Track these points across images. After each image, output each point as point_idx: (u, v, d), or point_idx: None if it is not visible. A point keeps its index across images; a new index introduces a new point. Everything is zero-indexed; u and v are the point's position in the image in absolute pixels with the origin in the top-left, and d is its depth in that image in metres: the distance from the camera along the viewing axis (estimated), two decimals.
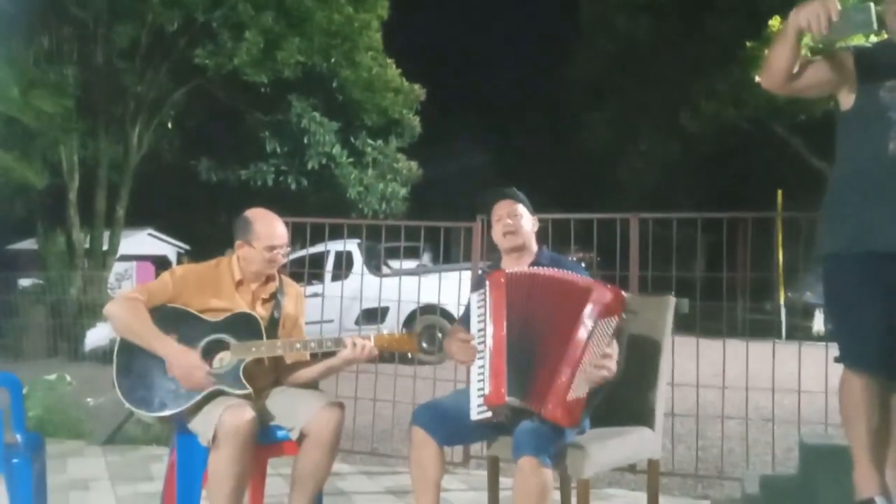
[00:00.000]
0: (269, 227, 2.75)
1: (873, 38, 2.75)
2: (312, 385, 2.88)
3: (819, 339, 8.92)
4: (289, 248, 2.87)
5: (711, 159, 16.84)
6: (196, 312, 2.67)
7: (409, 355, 3.04)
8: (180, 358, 2.55)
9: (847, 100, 2.30)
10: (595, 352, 2.46)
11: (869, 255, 2.18)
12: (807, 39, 2.24)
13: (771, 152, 16.12)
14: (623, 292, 2.55)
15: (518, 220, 2.84)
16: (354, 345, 2.63)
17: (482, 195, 2.98)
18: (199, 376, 2.53)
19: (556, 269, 2.67)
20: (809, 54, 2.54)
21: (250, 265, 2.76)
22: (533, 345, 2.54)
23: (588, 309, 2.49)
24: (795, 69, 2.26)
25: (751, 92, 13.16)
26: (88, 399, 5.47)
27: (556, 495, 3.15)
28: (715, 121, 14.59)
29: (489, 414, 2.55)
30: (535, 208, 2.96)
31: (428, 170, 16.15)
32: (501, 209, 2.87)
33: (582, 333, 2.47)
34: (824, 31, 2.11)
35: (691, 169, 17.75)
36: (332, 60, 13.69)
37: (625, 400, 2.92)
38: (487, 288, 2.65)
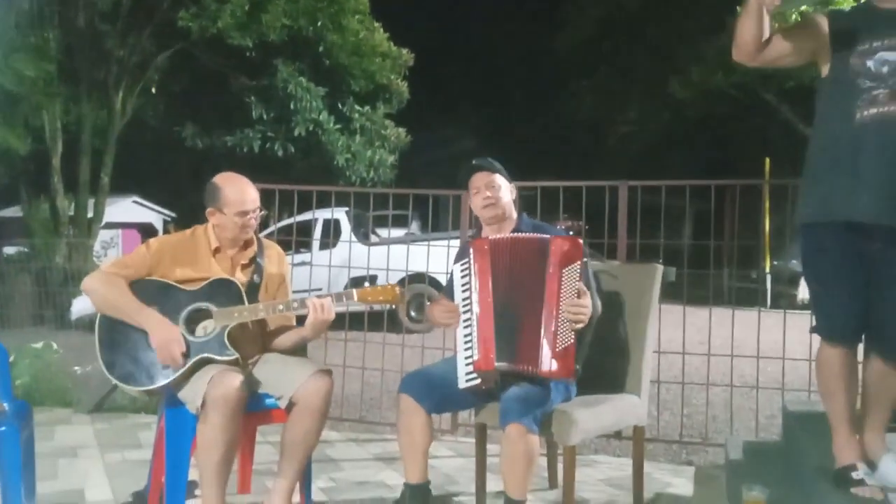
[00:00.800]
0: (239, 193, 2.71)
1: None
2: (300, 352, 2.88)
3: (804, 307, 9.01)
4: (263, 212, 2.84)
5: (700, 127, 16.83)
6: (175, 283, 2.65)
7: (399, 315, 3.04)
8: (160, 331, 2.54)
9: (825, 67, 2.27)
10: (568, 298, 2.52)
11: (834, 224, 2.18)
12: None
13: (759, 119, 16.13)
14: (579, 238, 2.63)
15: (496, 192, 2.84)
16: (315, 307, 2.62)
17: (460, 169, 2.97)
18: (176, 352, 2.51)
19: (531, 234, 2.71)
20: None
21: (224, 232, 2.74)
22: (516, 308, 2.58)
23: (552, 261, 2.56)
24: (764, 38, 2.24)
25: None
26: (76, 367, 5.46)
27: (543, 461, 3.20)
28: (703, 88, 14.53)
29: (478, 381, 2.58)
30: (524, 176, 2.96)
31: (416, 137, 16.02)
32: (479, 181, 2.87)
33: (552, 285, 2.54)
34: (777, 2, 2.12)
35: (679, 136, 17.75)
36: (319, 24, 13.49)
37: (611, 367, 2.95)
38: (471, 255, 2.66)
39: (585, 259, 2.58)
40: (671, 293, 3.79)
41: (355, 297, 2.65)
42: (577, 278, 2.54)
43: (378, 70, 14.56)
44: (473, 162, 2.92)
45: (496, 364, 2.53)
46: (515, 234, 2.76)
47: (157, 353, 2.53)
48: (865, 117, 2.13)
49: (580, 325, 2.52)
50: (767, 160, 12.76)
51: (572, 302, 2.51)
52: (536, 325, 2.52)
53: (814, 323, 2.35)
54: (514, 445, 2.47)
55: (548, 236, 2.65)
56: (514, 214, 2.91)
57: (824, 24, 2.24)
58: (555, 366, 2.49)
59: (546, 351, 2.50)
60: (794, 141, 15.19)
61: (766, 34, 2.24)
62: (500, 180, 2.87)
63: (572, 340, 2.50)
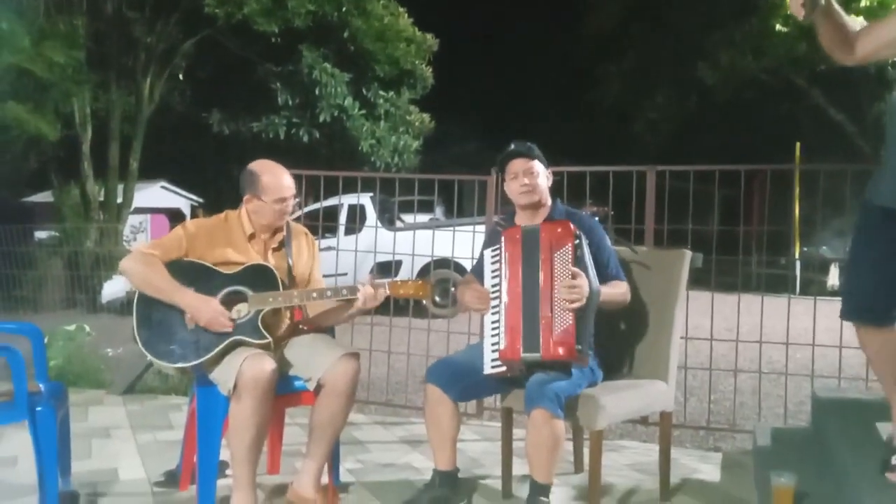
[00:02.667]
0: (276, 180, 2.75)
1: None
2: (329, 333, 2.92)
3: (833, 293, 8.90)
4: (298, 199, 2.88)
5: (728, 111, 16.59)
6: (211, 265, 2.68)
7: (424, 302, 3.07)
8: (201, 306, 2.58)
9: None
10: (561, 282, 2.52)
11: (871, 205, 2.19)
12: None
13: (789, 104, 15.87)
14: (570, 223, 2.61)
15: (534, 179, 2.82)
16: (365, 297, 2.66)
17: (500, 153, 2.95)
18: (223, 322, 2.58)
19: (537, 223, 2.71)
20: None
21: (261, 219, 2.77)
22: (532, 296, 2.57)
23: (542, 247, 2.57)
24: (849, 32, 2.21)
25: (770, 42, 12.88)
26: (108, 350, 5.57)
27: (569, 445, 3.21)
28: (732, 72, 14.32)
29: (503, 368, 2.59)
30: (550, 162, 2.94)
31: (440, 122, 15.98)
32: (517, 166, 2.85)
33: (546, 270, 2.55)
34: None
35: (708, 121, 17.52)
36: (343, 9, 13.47)
37: (638, 353, 2.95)
38: (503, 244, 2.66)
39: (577, 241, 2.57)
40: (699, 279, 3.76)
41: (387, 290, 2.68)
42: (570, 261, 2.53)
43: (403, 55, 14.51)
44: (513, 146, 2.89)
45: (522, 355, 2.54)
46: (546, 222, 2.76)
47: (208, 327, 2.58)
48: (894, 96, 2.14)
49: (576, 305, 2.50)
50: (797, 145, 12.57)
51: (566, 283, 2.50)
52: (536, 312, 2.53)
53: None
54: (540, 430, 2.48)
55: (537, 224, 2.66)
56: (549, 201, 2.90)
57: None
58: (556, 349, 2.49)
59: (545, 336, 2.50)
60: (825, 125, 14.95)
61: (850, 28, 2.21)
62: (539, 167, 2.85)
63: (571, 322, 2.49)
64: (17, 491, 2.86)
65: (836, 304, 3.78)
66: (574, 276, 2.51)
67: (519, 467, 2.94)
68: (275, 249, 2.83)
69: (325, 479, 2.78)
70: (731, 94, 15.42)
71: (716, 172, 4.05)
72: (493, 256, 2.71)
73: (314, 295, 2.70)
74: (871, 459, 2.34)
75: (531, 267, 2.59)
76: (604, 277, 2.69)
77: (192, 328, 2.59)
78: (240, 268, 2.68)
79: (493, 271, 2.70)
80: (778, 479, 2.48)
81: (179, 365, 2.59)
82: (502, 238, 2.68)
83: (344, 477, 3.09)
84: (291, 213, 2.88)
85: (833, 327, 3.75)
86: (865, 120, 14.30)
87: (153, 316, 2.62)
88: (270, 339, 2.62)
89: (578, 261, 2.55)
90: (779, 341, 3.87)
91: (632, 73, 18.03)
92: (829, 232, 10.49)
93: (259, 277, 2.67)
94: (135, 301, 2.63)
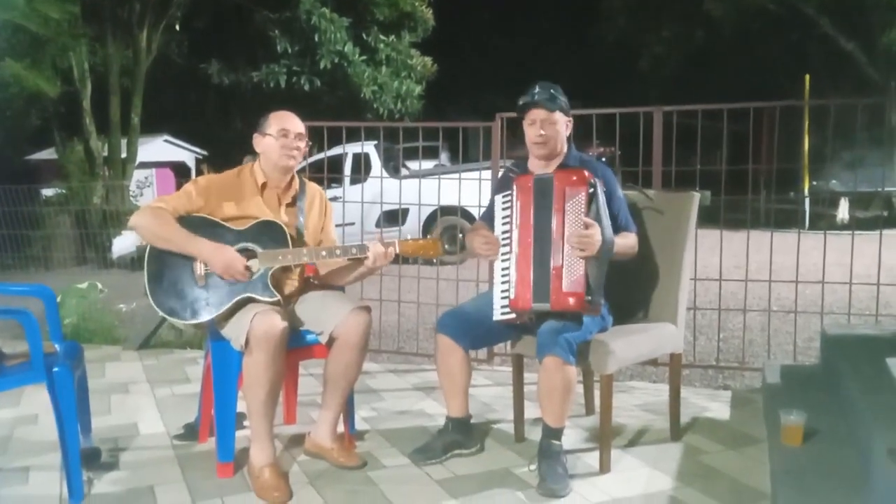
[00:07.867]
0: (282, 117, 2.77)
1: None
2: (338, 288, 2.93)
3: (843, 227, 8.85)
4: (308, 143, 2.85)
5: (736, 44, 16.25)
6: (222, 221, 2.68)
7: (434, 261, 3.07)
8: (216, 254, 2.58)
9: None
10: (573, 230, 2.49)
11: None
12: None
13: (798, 34, 15.51)
14: (584, 171, 2.57)
15: (552, 128, 2.75)
16: (375, 255, 2.65)
17: (524, 94, 2.81)
18: (239, 269, 2.58)
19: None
20: None
21: (269, 158, 2.75)
22: (544, 246, 2.56)
23: (557, 195, 2.54)
24: None
25: None
26: (121, 305, 5.62)
27: (579, 388, 3.24)
28: (740, 3, 13.98)
29: (513, 316, 2.60)
30: None
31: (442, 65, 15.72)
32: (537, 114, 2.77)
33: (558, 218, 2.53)
34: None
35: (715, 56, 17.18)
36: None
37: (648, 296, 2.95)
38: (515, 192, 2.64)
39: (592, 189, 2.52)
40: (708, 218, 3.73)
41: (398, 250, 2.68)
42: (583, 209, 2.50)
43: None
44: (537, 90, 2.76)
45: (532, 304, 2.54)
46: (560, 169, 2.72)
47: (223, 275, 2.58)
48: None
49: (586, 254, 2.47)
50: (807, 78, 12.33)
51: (578, 233, 2.48)
52: (548, 262, 2.52)
53: None
54: (552, 377, 2.50)
55: (551, 173, 2.61)
56: (565, 149, 2.85)
57: None
58: (566, 299, 2.48)
59: (555, 285, 2.49)
60: (834, 56, 14.63)
61: None
62: (560, 117, 2.76)
63: (581, 272, 2.48)
64: (40, 448, 2.93)
65: (846, 239, 3.78)
66: (586, 226, 2.48)
67: (531, 411, 2.98)
68: (288, 205, 2.81)
69: (340, 428, 2.83)
70: (738, 25, 15.09)
71: (724, 110, 3.99)
72: (504, 203, 2.69)
73: (323, 253, 2.69)
74: (880, 395, 2.35)
75: (543, 216, 2.57)
76: (614, 229, 2.66)
77: (202, 285, 2.60)
78: (249, 224, 2.67)
79: (503, 218, 2.68)
80: (787, 416, 2.51)
81: (191, 321, 2.61)
82: (514, 185, 2.65)
83: (359, 425, 3.14)
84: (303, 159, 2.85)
85: (843, 262, 3.75)
86: (876, 48, 13.98)
87: (164, 273, 2.63)
88: (280, 297, 2.63)
89: (592, 209, 2.52)
90: (788, 279, 3.86)
91: (637, 6, 17.64)
92: (838, 165, 10.37)
93: (269, 234, 2.66)
94: (145, 258, 2.64)
